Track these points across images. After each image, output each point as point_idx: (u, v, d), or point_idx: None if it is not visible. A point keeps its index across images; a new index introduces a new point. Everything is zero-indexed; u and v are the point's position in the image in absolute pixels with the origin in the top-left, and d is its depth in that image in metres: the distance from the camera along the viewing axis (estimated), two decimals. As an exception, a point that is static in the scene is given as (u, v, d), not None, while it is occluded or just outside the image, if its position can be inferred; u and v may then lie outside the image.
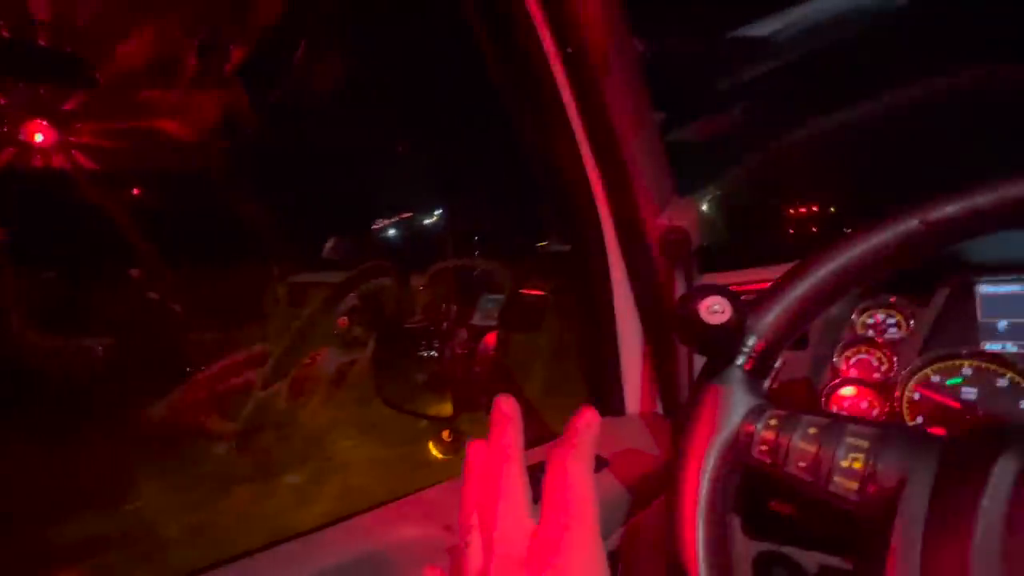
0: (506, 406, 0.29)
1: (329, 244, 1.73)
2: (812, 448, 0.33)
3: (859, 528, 0.31)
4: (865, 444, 0.32)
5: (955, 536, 0.26)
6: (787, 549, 0.61)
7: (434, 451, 1.32)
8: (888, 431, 0.32)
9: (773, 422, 0.35)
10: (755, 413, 0.37)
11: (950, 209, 0.37)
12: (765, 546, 0.62)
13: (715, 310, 0.36)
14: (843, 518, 0.33)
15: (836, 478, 0.32)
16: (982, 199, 0.36)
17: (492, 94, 0.84)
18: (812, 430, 0.34)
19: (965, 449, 0.29)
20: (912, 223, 0.37)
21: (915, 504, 0.28)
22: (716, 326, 0.36)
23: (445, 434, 1.28)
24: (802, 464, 0.33)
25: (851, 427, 0.33)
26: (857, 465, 0.31)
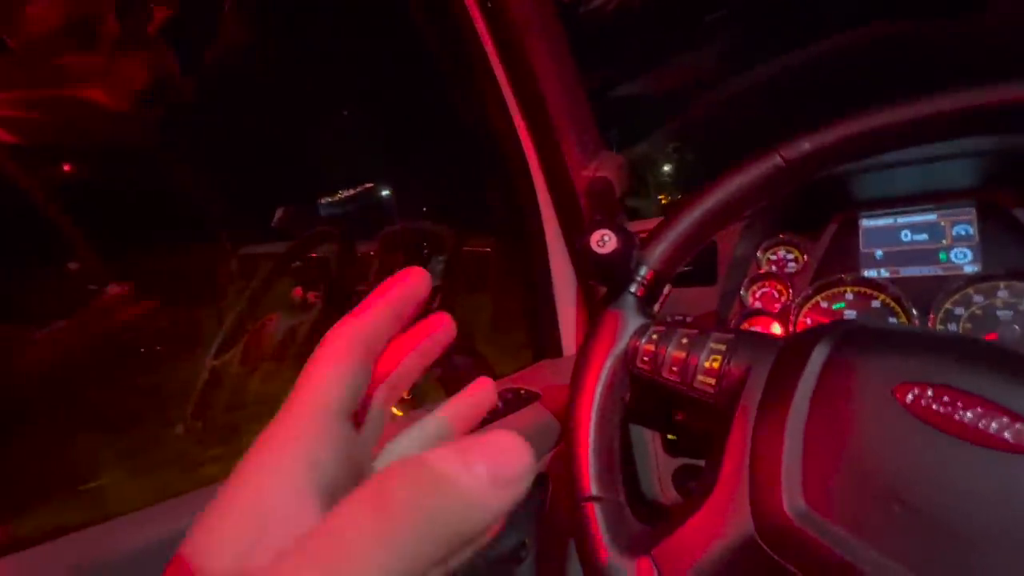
0: (413, 276, 0.20)
1: (278, 214, 1.71)
2: (682, 354, 0.39)
3: (717, 418, 0.37)
4: (723, 347, 0.38)
5: (777, 413, 0.32)
6: (699, 462, 0.69)
7: (395, 410, 1.36)
8: (742, 335, 0.38)
9: (654, 336, 0.41)
10: (641, 330, 0.42)
11: (804, 146, 0.42)
12: (682, 461, 0.70)
13: (604, 241, 0.40)
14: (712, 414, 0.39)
15: (699, 377, 0.38)
16: (829, 136, 0.41)
17: (425, 54, 0.85)
18: (684, 340, 0.40)
19: (795, 344, 0.35)
20: (775, 160, 0.43)
21: (753, 390, 0.34)
22: (605, 255, 0.40)
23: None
24: (674, 368, 0.39)
25: (714, 335, 0.39)
26: (715, 365, 0.37)
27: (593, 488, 0.38)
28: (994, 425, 0.26)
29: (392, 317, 0.19)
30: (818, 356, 0.33)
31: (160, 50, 1.34)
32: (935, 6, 1.02)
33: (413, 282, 0.20)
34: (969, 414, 0.27)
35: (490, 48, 0.72)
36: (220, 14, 1.26)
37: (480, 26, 0.71)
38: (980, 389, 0.28)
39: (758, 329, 0.69)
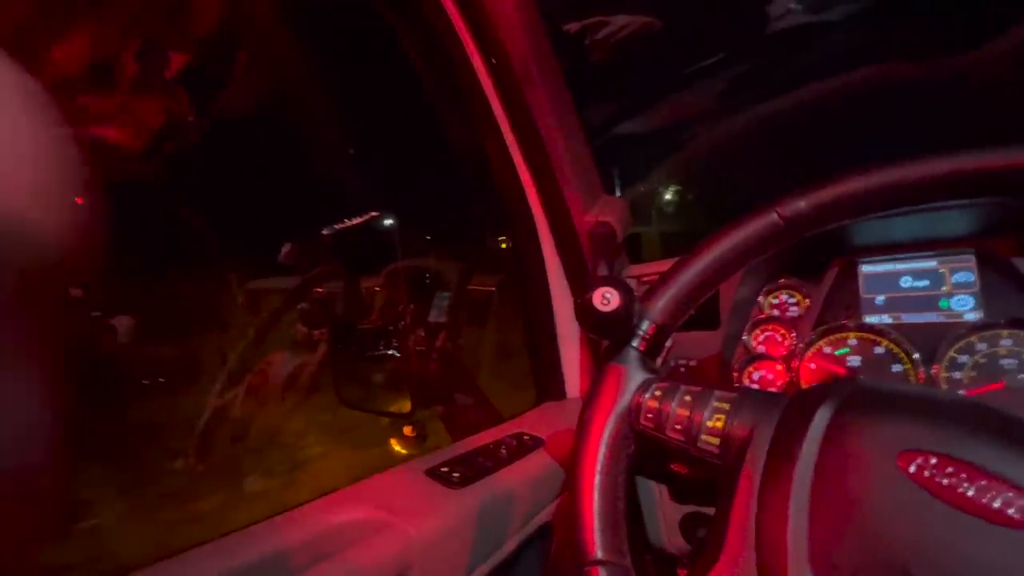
0: None
1: (285, 249, 1.73)
2: (685, 412, 0.39)
3: (722, 479, 0.37)
4: (726, 406, 0.38)
5: (781, 479, 0.32)
6: (707, 509, 0.68)
7: (397, 447, 1.35)
8: (745, 394, 0.38)
9: (658, 393, 0.41)
10: (644, 386, 0.42)
11: (801, 204, 0.43)
12: (689, 508, 0.69)
13: (607, 299, 0.41)
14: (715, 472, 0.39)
15: (703, 436, 0.38)
16: (826, 194, 0.42)
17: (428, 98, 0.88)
18: (687, 397, 0.40)
19: (798, 405, 0.35)
20: (772, 217, 0.44)
21: (757, 453, 0.34)
22: (607, 313, 0.41)
23: (407, 430, 1.31)
24: (677, 427, 0.39)
25: (718, 393, 0.39)
26: (719, 424, 0.37)
27: (598, 552, 0.37)
28: (998, 500, 0.26)
29: None
30: (821, 420, 0.33)
31: (175, 93, 1.39)
32: (925, 45, 1.06)
33: None
34: (973, 488, 0.27)
35: (490, 91, 0.75)
36: (234, 61, 1.32)
37: (483, 77, 0.74)
38: (984, 461, 0.28)
39: (763, 373, 0.69)
